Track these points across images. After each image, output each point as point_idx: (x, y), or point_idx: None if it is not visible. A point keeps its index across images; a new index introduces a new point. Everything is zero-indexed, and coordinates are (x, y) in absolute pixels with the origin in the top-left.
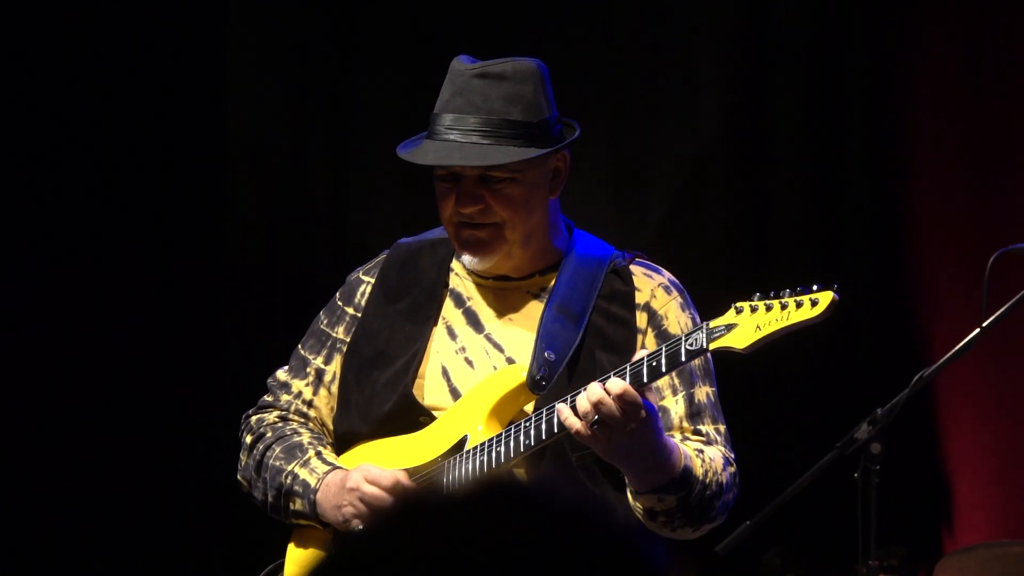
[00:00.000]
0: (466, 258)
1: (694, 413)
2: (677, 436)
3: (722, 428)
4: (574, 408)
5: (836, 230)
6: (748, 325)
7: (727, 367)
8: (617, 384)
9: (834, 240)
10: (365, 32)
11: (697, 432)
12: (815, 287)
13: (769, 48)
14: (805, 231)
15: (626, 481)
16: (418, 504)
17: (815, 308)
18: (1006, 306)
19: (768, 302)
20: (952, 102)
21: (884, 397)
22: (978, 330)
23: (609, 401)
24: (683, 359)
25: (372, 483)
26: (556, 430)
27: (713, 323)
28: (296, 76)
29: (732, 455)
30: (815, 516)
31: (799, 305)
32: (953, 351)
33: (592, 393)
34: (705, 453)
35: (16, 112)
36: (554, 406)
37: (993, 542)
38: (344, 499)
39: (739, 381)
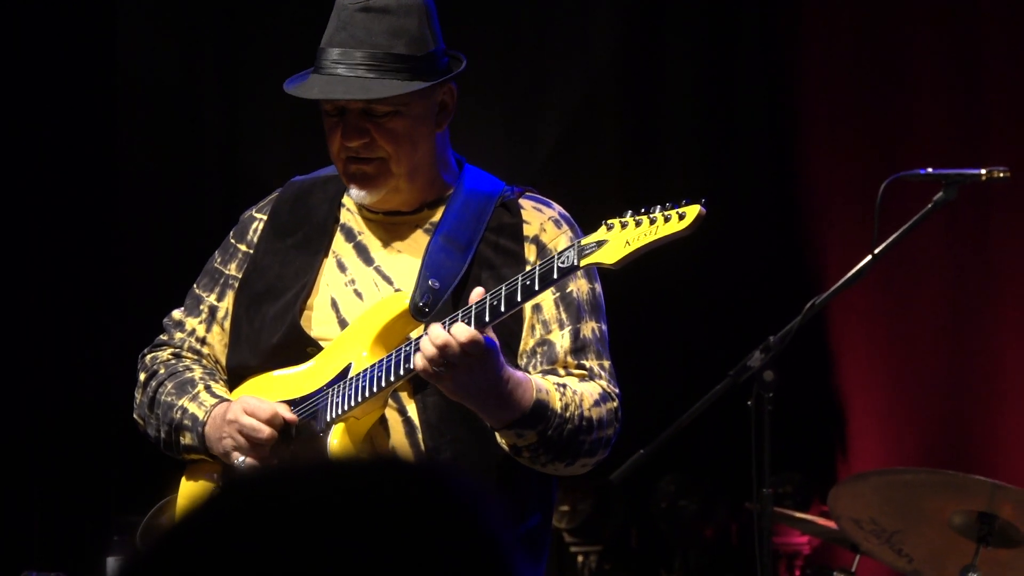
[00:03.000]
0: (354, 192)
1: (578, 348)
2: (561, 371)
3: (607, 364)
4: (419, 350)
5: (728, 159)
6: (618, 241)
7: (619, 295)
8: (463, 331)
9: (726, 169)
10: None
11: (580, 366)
12: (684, 201)
13: None
14: (697, 160)
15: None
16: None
17: (683, 221)
18: (897, 233)
19: (638, 217)
20: (844, 27)
21: (777, 324)
22: (870, 257)
23: (454, 345)
24: (555, 277)
25: (250, 414)
26: None
27: (585, 240)
28: (187, 11)
29: (616, 391)
30: (709, 444)
31: (667, 219)
32: (845, 278)
33: (436, 337)
34: (569, 387)
35: None
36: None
37: (886, 469)
38: (224, 431)
39: (632, 310)
